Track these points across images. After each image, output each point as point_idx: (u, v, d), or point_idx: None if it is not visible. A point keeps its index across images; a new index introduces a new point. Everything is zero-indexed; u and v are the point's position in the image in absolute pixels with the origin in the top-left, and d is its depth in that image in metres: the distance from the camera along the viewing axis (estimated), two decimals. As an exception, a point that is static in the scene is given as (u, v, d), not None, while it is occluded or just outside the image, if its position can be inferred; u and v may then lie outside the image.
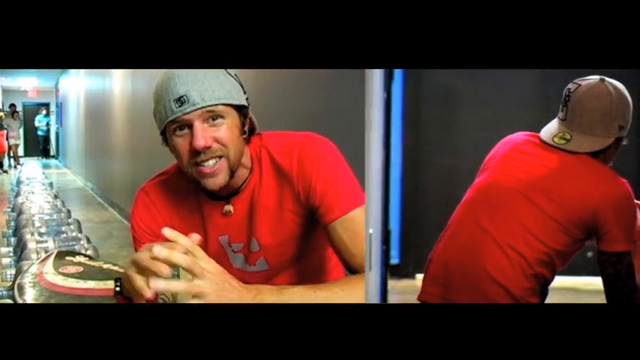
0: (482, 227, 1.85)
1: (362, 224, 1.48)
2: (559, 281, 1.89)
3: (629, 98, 1.87)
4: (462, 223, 1.91)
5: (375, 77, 2.59)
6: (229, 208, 1.52)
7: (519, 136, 1.97)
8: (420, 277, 2.00)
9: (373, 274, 2.69)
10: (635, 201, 1.84)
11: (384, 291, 3.10)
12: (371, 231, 2.38)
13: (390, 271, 3.40)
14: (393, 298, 3.23)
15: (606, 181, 1.81)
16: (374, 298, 2.84)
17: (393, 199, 3.84)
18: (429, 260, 1.94)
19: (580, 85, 1.87)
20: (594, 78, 1.88)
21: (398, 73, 3.78)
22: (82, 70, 13.33)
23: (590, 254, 1.86)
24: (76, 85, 14.90)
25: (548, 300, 1.90)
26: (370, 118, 2.42)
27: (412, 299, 1.96)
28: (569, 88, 1.88)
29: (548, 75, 3.40)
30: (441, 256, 1.91)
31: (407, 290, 3.08)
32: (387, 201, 3.43)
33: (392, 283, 3.34)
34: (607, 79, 1.88)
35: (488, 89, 3.93)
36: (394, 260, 3.86)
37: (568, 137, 1.87)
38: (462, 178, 2.13)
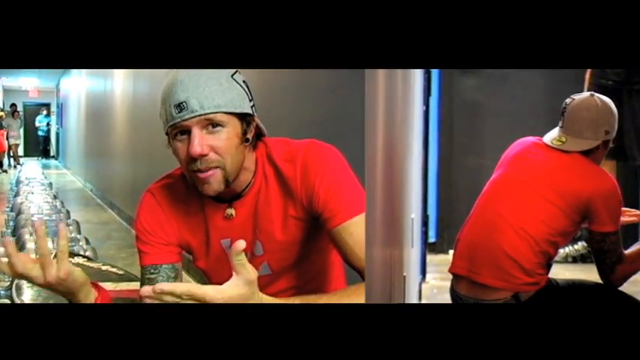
0: (499, 214, 2.02)
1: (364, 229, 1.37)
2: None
3: (614, 109, 2.05)
4: (482, 210, 2.08)
5: (416, 94, 2.88)
6: (231, 211, 1.45)
7: (528, 139, 2.13)
8: (452, 252, 2.14)
9: (415, 251, 3.02)
10: None
11: (423, 264, 3.33)
12: (413, 216, 2.70)
13: (428, 247, 3.52)
14: (431, 269, 3.42)
15: (597, 177, 2.00)
16: (416, 270, 3.03)
17: (431, 191, 3.97)
18: (457, 240, 2.12)
19: (574, 99, 2.06)
20: (585, 93, 2.07)
21: (434, 90, 4.00)
22: (83, 71, 12.39)
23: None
24: (77, 85, 13.87)
25: (554, 271, 2.06)
26: (413, 127, 2.65)
27: (446, 270, 2.13)
28: (566, 102, 2.07)
29: (555, 91, 3.54)
30: (466, 236, 2.08)
31: (442, 263, 3.07)
32: (426, 192, 3.52)
33: (430, 257, 3.47)
34: (596, 94, 2.06)
35: (507, 103, 4.16)
36: (432, 239, 3.94)
37: (564, 140, 2.03)
38: (485, 174, 2.22)
